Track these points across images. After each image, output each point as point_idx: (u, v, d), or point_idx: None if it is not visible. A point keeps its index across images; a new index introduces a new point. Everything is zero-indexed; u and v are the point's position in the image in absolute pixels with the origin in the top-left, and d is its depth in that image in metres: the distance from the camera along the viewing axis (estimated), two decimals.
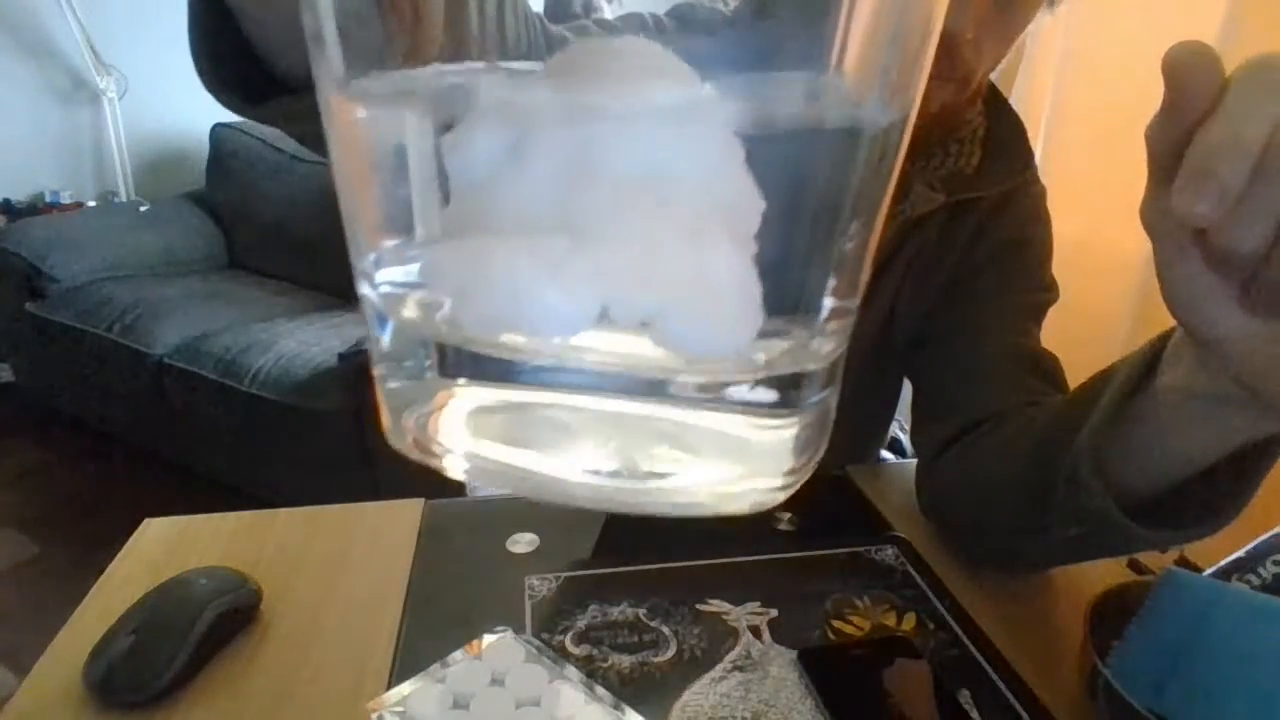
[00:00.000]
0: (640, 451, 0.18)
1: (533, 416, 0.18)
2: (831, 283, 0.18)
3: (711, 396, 0.18)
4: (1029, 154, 0.65)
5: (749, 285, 0.17)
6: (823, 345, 0.19)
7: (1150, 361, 0.40)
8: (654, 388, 0.17)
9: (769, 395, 0.18)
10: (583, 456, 0.18)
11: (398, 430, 0.19)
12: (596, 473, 0.17)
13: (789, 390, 0.18)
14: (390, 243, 0.19)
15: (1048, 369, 0.60)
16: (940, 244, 0.65)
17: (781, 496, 0.19)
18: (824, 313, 0.18)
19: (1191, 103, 0.26)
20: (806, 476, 0.20)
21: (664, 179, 0.16)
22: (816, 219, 0.18)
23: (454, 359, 0.18)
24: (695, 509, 0.18)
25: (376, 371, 0.20)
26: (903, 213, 0.61)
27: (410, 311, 0.19)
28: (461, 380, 0.19)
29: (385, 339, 0.19)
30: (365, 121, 0.18)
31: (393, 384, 0.20)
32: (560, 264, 0.16)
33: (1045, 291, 0.65)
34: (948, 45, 0.51)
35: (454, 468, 0.18)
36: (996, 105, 0.64)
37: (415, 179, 0.18)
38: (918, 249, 0.65)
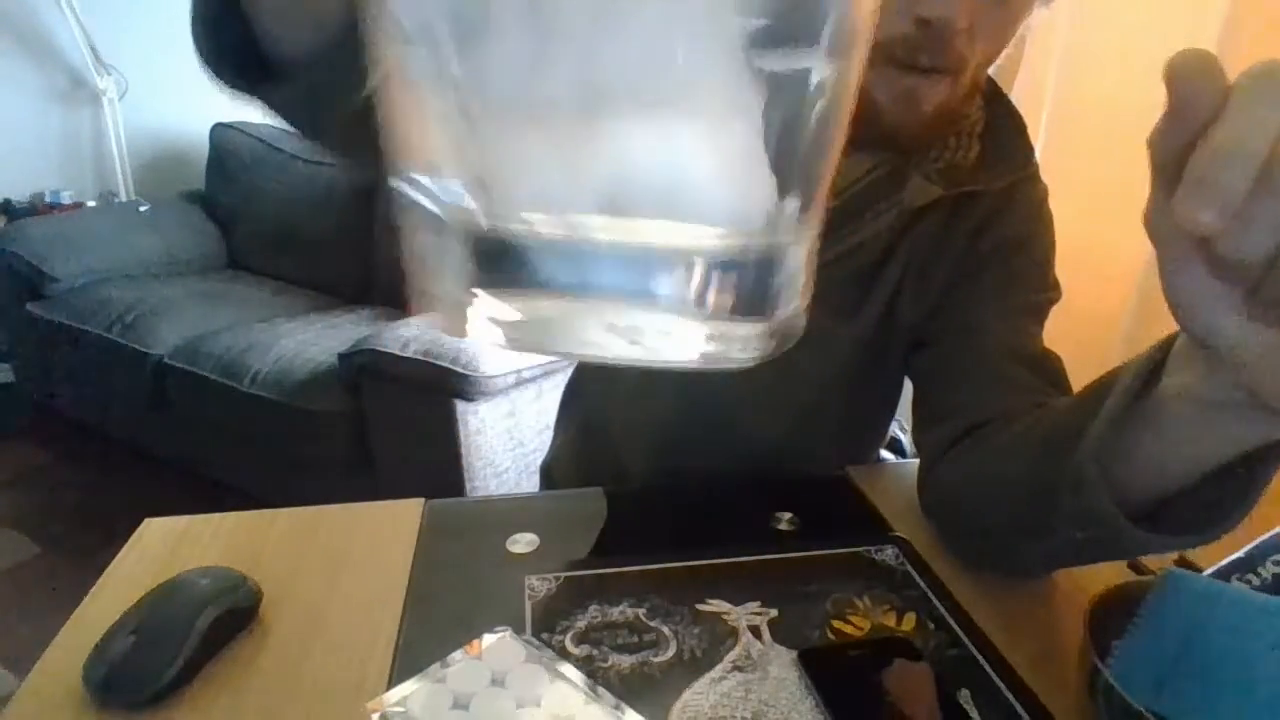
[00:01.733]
0: (641, 334, 0.21)
1: (547, 313, 0.21)
2: (798, 174, 0.21)
3: (695, 305, 0.20)
4: (1029, 149, 0.65)
5: (761, 159, 0.19)
6: (791, 228, 0.21)
7: (1155, 365, 0.40)
8: (654, 280, 0.20)
9: (741, 301, 0.21)
10: (591, 339, 0.21)
11: (428, 321, 0.22)
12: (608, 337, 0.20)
13: (759, 298, 0.21)
14: (424, 149, 0.21)
15: (1050, 370, 0.60)
16: (940, 242, 0.65)
17: (765, 357, 0.23)
18: (788, 208, 0.21)
19: (1194, 110, 0.26)
20: (790, 345, 0.23)
21: (676, 59, 0.18)
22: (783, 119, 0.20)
23: (476, 262, 0.20)
24: (692, 367, 0.22)
25: (409, 273, 0.22)
26: (899, 203, 0.61)
27: (438, 204, 0.20)
28: (477, 290, 0.21)
29: (416, 238, 0.21)
30: (398, 34, 0.20)
31: (422, 289, 0.22)
32: (578, 135, 0.18)
33: (1047, 291, 0.65)
34: (940, 33, 0.51)
35: (481, 337, 0.21)
36: (997, 100, 0.64)
37: (443, 88, 0.19)
38: (916, 246, 0.65)
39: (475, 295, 0.21)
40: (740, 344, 0.22)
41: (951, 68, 0.53)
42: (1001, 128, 0.64)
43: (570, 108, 0.18)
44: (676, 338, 0.21)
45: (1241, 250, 0.26)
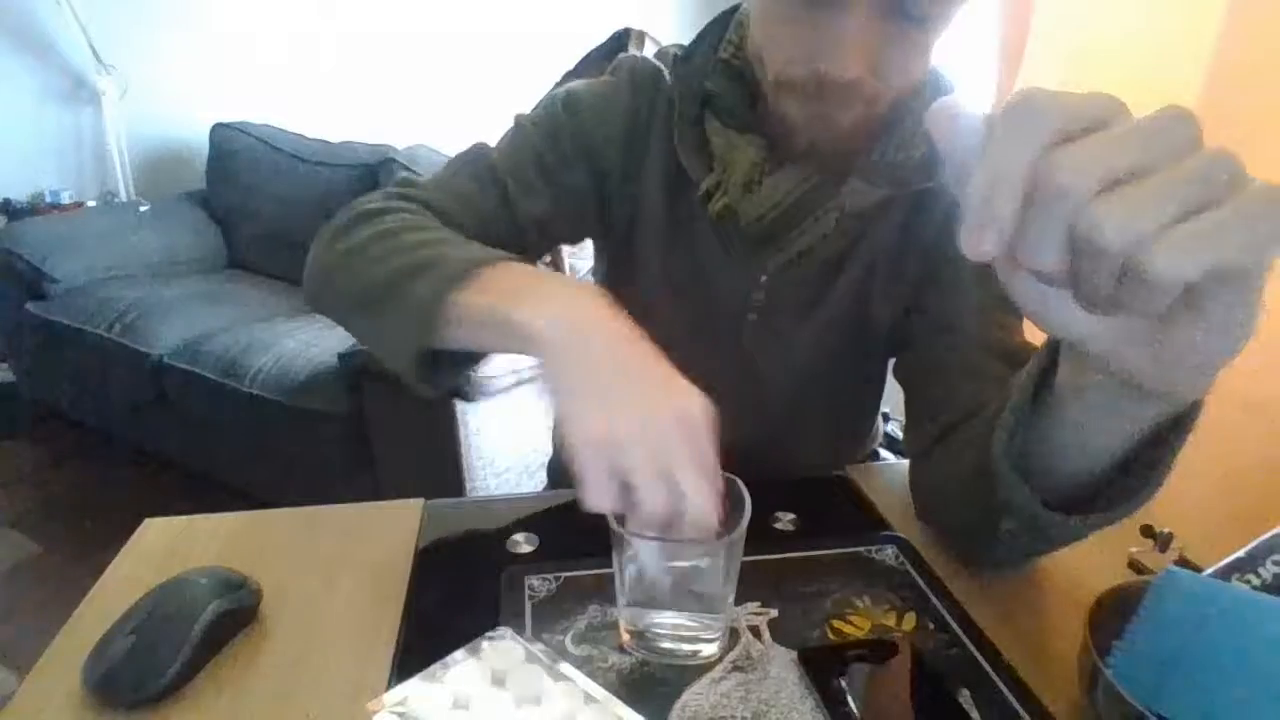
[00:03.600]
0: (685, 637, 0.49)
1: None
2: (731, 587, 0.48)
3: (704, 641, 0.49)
4: None
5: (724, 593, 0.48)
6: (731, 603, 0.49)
7: (1050, 358, 0.42)
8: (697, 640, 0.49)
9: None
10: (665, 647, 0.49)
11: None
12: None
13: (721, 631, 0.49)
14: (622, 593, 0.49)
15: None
16: (906, 240, 0.65)
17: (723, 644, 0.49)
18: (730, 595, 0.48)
19: (957, 150, 0.28)
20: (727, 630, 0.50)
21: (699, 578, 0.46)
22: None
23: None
24: (711, 655, 0.49)
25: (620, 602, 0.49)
26: (838, 208, 0.61)
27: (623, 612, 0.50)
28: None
29: (624, 615, 0.50)
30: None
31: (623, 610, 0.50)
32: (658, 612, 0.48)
33: None
34: (838, 82, 0.51)
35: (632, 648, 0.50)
36: (940, 94, 0.63)
37: (627, 570, 0.47)
38: (881, 245, 0.65)
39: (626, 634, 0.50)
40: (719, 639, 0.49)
41: (860, 100, 0.53)
42: None
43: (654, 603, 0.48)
44: (701, 640, 0.48)
45: (1037, 264, 0.28)
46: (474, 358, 0.54)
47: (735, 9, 0.64)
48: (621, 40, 1.44)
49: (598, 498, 0.39)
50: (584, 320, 0.44)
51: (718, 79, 0.62)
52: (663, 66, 0.67)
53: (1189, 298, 0.27)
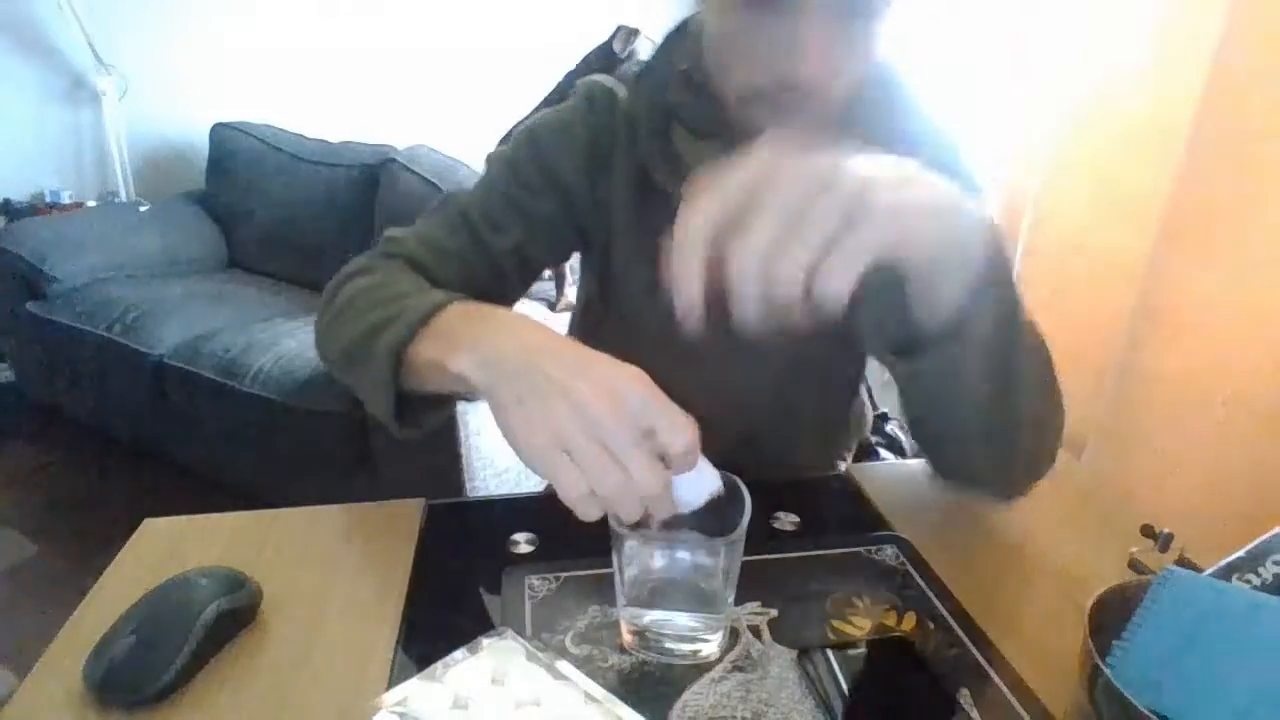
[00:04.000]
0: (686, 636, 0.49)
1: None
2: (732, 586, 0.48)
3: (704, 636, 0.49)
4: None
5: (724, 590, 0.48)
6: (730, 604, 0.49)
7: None
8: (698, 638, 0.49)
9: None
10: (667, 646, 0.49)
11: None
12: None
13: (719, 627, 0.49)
14: (622, 593, 0.49)
15: None
16: None
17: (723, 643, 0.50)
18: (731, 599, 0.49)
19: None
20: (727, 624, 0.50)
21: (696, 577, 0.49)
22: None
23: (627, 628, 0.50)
24: (711, 654, 0.49)
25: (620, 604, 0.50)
26: None
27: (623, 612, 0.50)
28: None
29: (624, 614, 0.50)
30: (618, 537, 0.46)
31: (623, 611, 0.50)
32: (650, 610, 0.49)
33: None
34: (798, 83, 0.53)
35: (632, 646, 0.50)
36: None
37: (628, 569, 0.48)
38: None
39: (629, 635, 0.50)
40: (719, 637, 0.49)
41: (820, 93, 0.55)
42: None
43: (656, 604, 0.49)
44: (700, 640, 0.48)
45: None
46: (451, 396, 0.55)
47: (688, 21, 0.65)
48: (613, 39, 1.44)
49: (568, 492, 0.40)
50: (504, 350, 0.46)
51: (679, 90, 0.63)
52: (616, 86, 0.68)
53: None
